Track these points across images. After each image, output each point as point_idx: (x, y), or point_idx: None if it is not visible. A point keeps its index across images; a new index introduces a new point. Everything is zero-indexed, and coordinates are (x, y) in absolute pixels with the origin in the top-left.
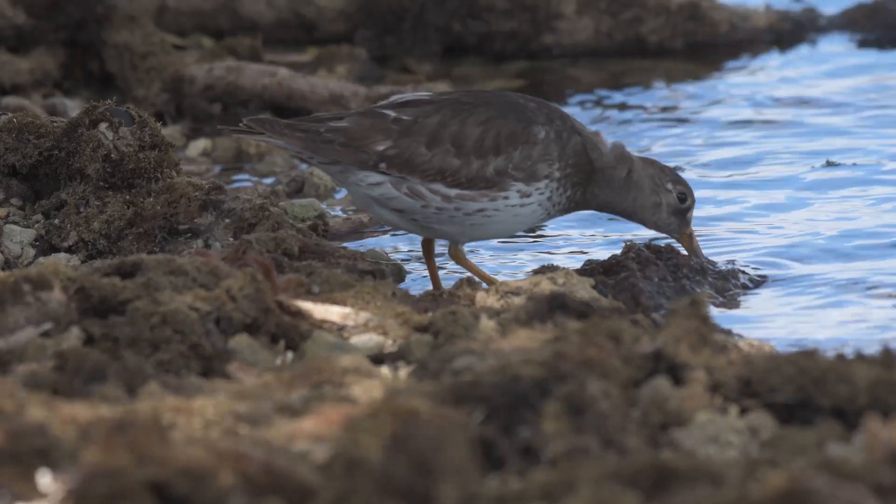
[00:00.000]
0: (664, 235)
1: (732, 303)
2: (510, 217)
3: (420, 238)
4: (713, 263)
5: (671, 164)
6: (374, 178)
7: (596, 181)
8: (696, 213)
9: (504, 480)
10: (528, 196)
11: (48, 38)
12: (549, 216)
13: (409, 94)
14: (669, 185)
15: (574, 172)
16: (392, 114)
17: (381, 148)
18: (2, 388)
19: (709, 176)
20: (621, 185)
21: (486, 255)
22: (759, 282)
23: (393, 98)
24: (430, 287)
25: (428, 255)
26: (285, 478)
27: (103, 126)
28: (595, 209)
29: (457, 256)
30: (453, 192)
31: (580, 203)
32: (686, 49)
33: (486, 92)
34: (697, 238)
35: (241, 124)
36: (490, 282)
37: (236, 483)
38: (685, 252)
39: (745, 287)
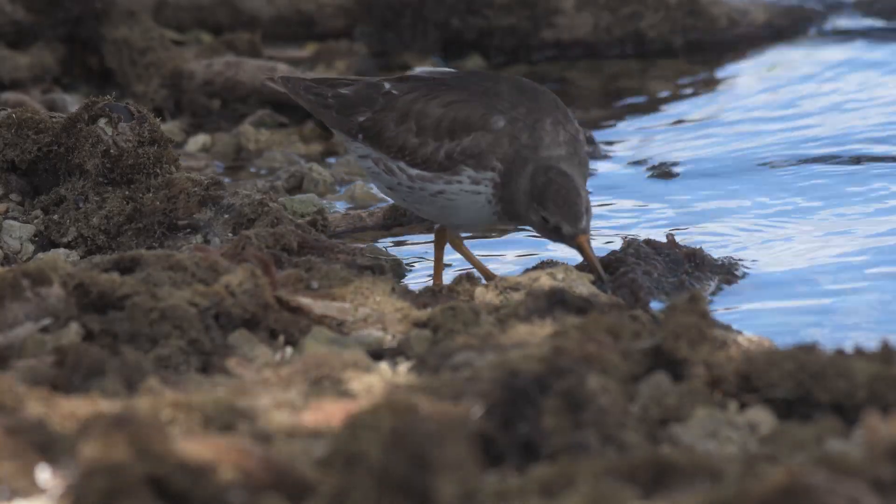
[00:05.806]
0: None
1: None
2: (471, 203)
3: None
4: (607, 278)
5: (668, 160)
6: (362, 149)
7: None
8: (696, 206)
9: (503, 476)
10: (478, 184)
11: (47, 33)
12: (499, 218)
13: (420, 70)
14: (535, 205)
15: (506, 182)
16: (387, 86)
17: (361, 119)
18: (1, 384)
19: (707, 172)
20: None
21: (483, 251)
22: (756, 277)
23: (418, 70)
24: (429, 282)
25: (438, 245)
26: (284, 473)
27: (102, 122)
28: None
29: (453, 243)
30: (414, 171)
31: (513, 219)
32: (685, 44)
33: (486, 75)
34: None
35: (274, 79)
36: (488, 276)
37: (235, 478)
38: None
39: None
